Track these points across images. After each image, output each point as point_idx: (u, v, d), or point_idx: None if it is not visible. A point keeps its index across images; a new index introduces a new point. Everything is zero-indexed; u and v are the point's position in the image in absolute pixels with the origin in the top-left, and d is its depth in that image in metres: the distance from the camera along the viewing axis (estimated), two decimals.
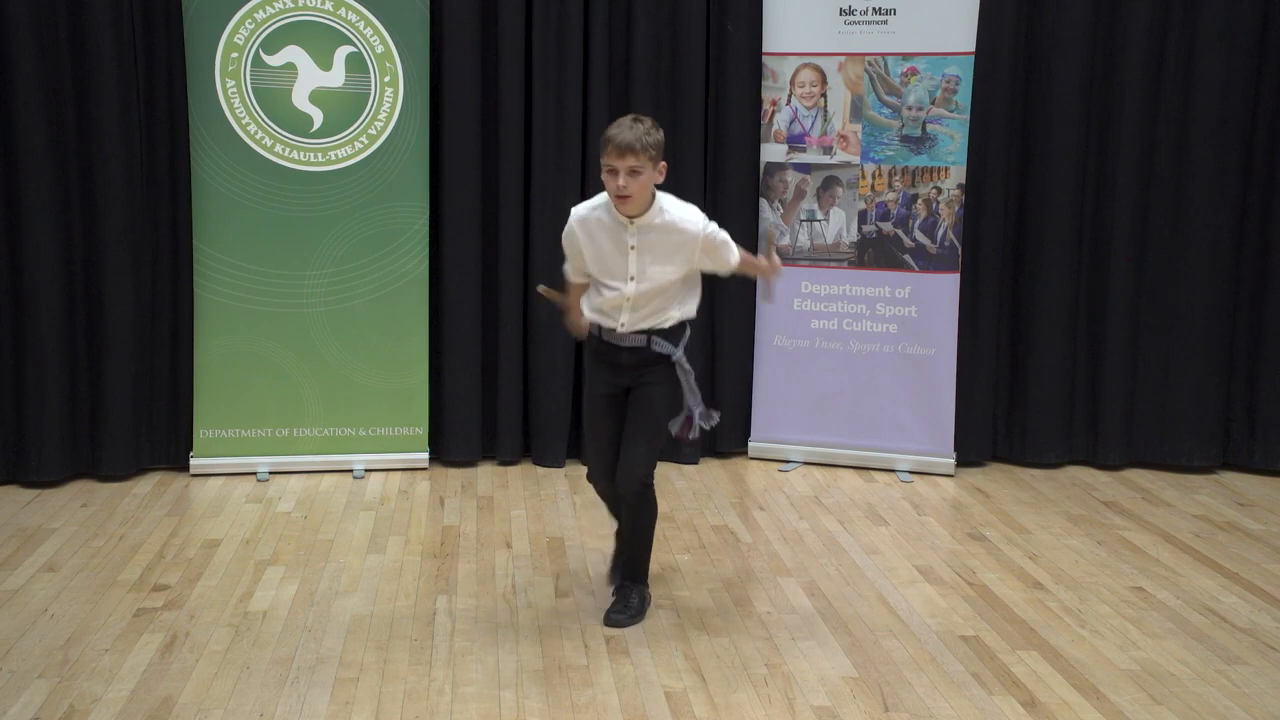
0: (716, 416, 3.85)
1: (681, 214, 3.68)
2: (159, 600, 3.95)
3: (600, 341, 3.79)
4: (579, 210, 3.75)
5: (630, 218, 3.64)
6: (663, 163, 3.63)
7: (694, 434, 3.81)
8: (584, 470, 5.32)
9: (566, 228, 3.76)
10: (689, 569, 4.29)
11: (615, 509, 4.00)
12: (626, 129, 3.56)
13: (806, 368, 5.51)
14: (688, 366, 3.76)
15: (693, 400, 3.77)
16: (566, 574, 4.23)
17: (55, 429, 5.05)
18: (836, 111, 5.37)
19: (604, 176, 3.61)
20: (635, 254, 3.66)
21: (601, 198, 3.71)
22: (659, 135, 3.61)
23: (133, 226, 5.09)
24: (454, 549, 4.46)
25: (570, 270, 3.84)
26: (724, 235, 3.74)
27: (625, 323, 3.71)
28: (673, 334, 3.75)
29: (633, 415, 3.77)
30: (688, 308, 3.78)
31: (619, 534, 4.07)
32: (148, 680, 3.40)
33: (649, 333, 3.73)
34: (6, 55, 4.87)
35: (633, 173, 3.54)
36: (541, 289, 3.99)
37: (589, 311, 3.80)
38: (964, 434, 5.48)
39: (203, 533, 4.58)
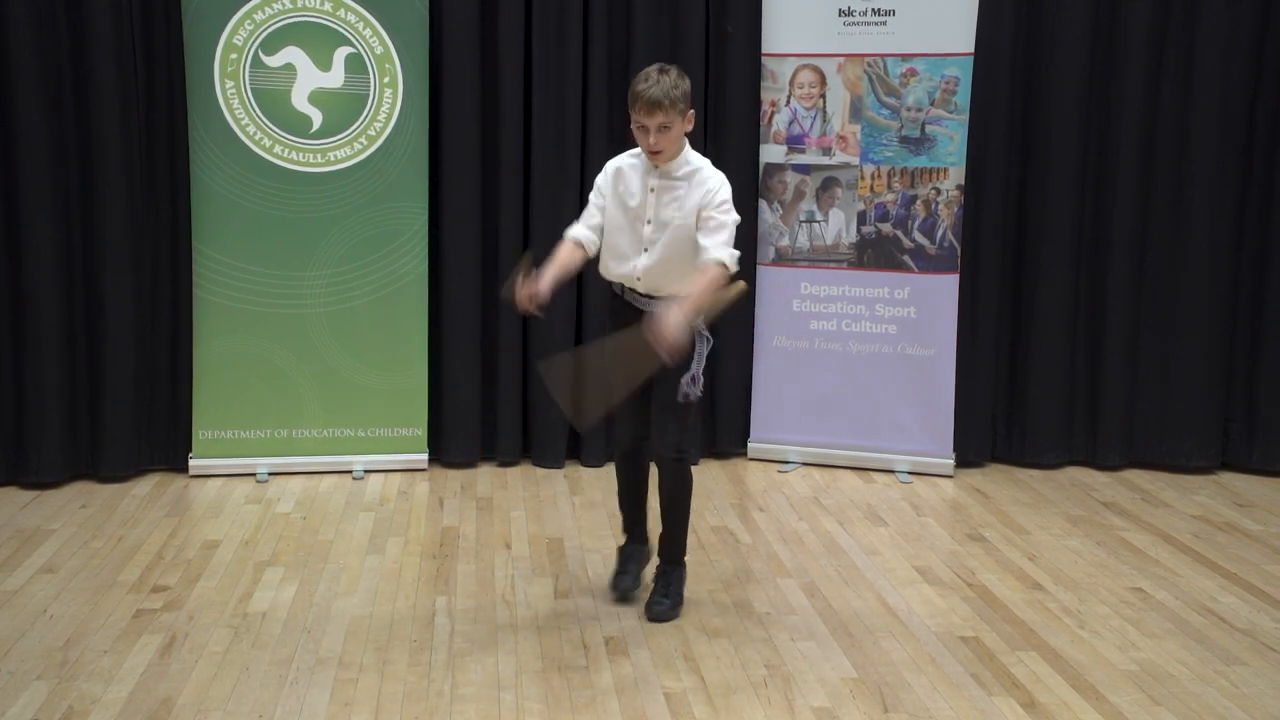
0: (699, 389, 3.75)
1: (708, 172, 3.68)
2: (158, 601, 3.95)
3: (621, 300, 3.79)
4: (618, 158, 3.81)
5: (655, 164, 3.68)
6: (691, 111, 3.62)
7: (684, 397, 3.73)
8: (584, 471, 5.39)
9: (604, 170, 3.81)
10: (688, 569, 4.28)
11: (633, 484, 3.99)
12: (654, 83, 3.54)
13: (806, 368, 5.51)
14: (708, 336, 3.75)
15: (696, 366, 3.70)
16: (566, 575, 4.23)
17: (54, 430, 5.05)
18: (836, 112, 5.38)
19: (635, 132, 3.63)
20: (654, 196, 3.68)
21: (638, 147, 3.74)
22: (686, 84, 3.61)
23: (132, 227, 5.09)
24: (453, 550, 4.47)
25: (579, 222, 3.78)
26: (728, 219, 3.64)
27: (641, 271, 3.69)
28: None
29: (660, 388, 3.73)
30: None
31: (623, 550, 4.07)
32: (147, 681, 3.41)
33: (669, 300, 3.65)
34: (6, 55, 4.87)
35: (662, 128, 3.57)
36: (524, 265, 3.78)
37: (608, 271, 3.78)
38: (963, 435, 5.48)
39: (202, 534, 4.58)
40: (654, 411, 3.79)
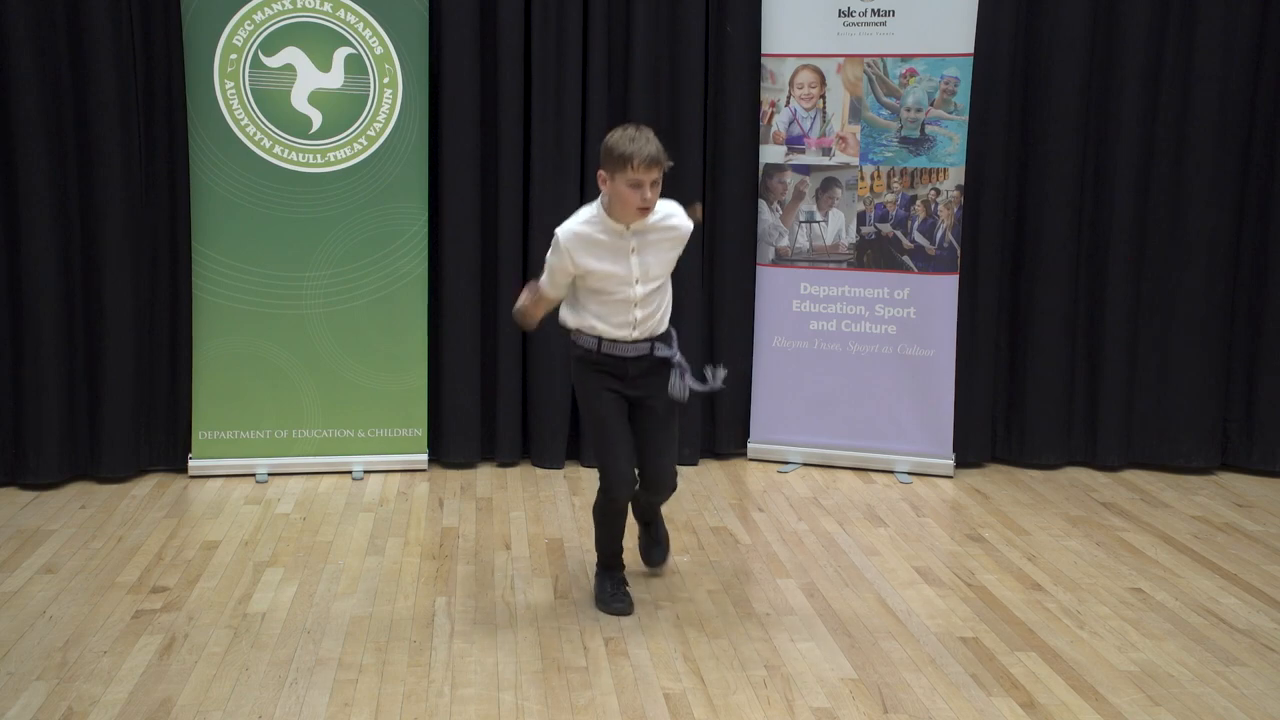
0: (722, 373, 3.85)
1: (665, 209, 3.76)
2: (158, 602, 3.95)
3: (602, 355, 3.78)
4: (569, 229, 3.71)
5: (627, 224, 3.69)
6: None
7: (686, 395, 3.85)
8: (583, 472, 5.39)
9: (557, 247, 3.70)
10: (688, 570, 4.29)
11: (621, 530, 3.99)
12: (645, 142, 3.59)
13: (805, 369, 5.51)
14: (686, 365, 3.82)
15: (690, 383, 3.79)
16: (565, 575, 4.23)
17: (54, 431, 5.04)
18: (835, 113, 5.38)
19: (623, 190, 3.60)
20: (636, 256, 3.71)
21: (588, 211, 3.74)
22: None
23: (132, 228, 5.09)
24: (453, 550, 4.46)
25: (549, 284, 3.77)
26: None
27: (637, 328, 3.74)
28: (667, 337, 3.84)
29: (650, 431, 3.84)
30: (669, 305, 3.86)
31: (613, 575, 4.04)
32: (146, 682, 3.40)
33: (650, 340, 3.79)
34: (5, 57, 4.87)
35: (654, 185, 3.62)
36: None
37: (593, 324, 3.75)
38: (963, 435, 5.48)
39: (201, 534, 4.58)
40: (648, 464, 3.86)
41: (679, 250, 3.81)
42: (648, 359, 3.79)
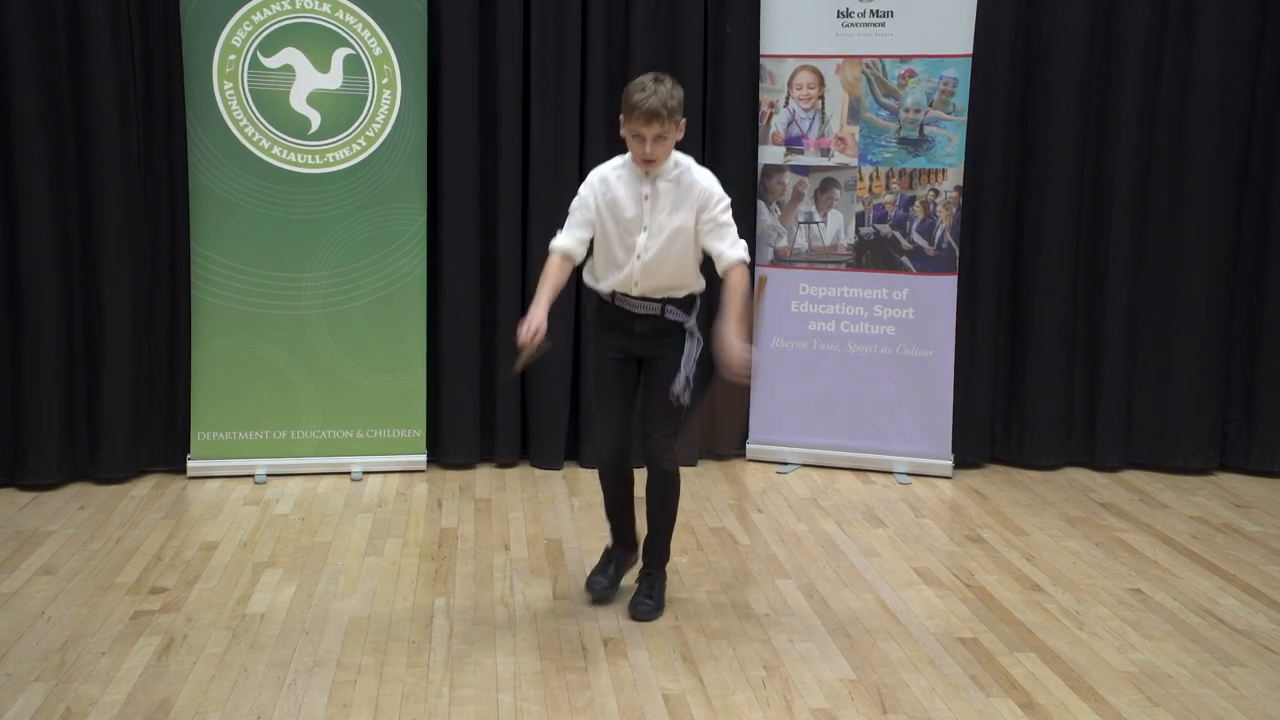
0: (689, 393, 3.79)
1: (699, 173, 3.74)
2: (156, 603, 3.94)
3: (612, 307, 3.79)
4: (601, 168, 3.80)
5: (645, 170, 3.71)
6: (683, 119, 3.67)
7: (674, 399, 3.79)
8: (583, 473, 5.38)
9: (587, 181, 3.77)
10: (687, 571, 4.29)
11: (617, 496, 3.98)
12: (652, 93, 3.57)
13: (804, 369, 5.51)
14: (700, 336, 3.79)
15: (687, 369, 3.76)
16: (564, 576, 4.22)
17: (53, 431, 5.04)
18: (834, 113, 5.38)
19: (629, 140, 3.65)
20: (649, 203, 3.71)
21: (620, 158, 3.78)
22: (680, 93, 3.65)
23: (130, 229, 5.09)
24: (452, 551, 4.46)
25: (565, 234, 3.75)
26: (729, 217, 3.73)
27: (639, 278, 3.72)
28: (685, 304, 3.79)
29: (655, 390, 3.79)
30: (699, 282, 3.81)
31: (609, 551, 4.07)
32: (145, 683, 3.40)
33: (663, 301, 3.75)
34: (4, 58, 4.86)
35: (659, 138, 3.61)
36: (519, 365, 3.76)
37: (601, 280, 3.78)
38: (962, 436, 5.48)
39: (200, 535, 4.57)
40: (648, 416, 3.81)
41: (693, 206, 3.69)
42: (657, 320, 3.76)
